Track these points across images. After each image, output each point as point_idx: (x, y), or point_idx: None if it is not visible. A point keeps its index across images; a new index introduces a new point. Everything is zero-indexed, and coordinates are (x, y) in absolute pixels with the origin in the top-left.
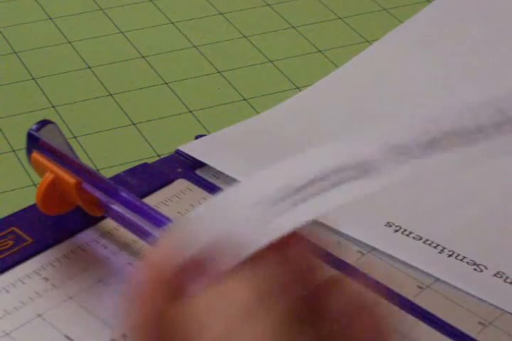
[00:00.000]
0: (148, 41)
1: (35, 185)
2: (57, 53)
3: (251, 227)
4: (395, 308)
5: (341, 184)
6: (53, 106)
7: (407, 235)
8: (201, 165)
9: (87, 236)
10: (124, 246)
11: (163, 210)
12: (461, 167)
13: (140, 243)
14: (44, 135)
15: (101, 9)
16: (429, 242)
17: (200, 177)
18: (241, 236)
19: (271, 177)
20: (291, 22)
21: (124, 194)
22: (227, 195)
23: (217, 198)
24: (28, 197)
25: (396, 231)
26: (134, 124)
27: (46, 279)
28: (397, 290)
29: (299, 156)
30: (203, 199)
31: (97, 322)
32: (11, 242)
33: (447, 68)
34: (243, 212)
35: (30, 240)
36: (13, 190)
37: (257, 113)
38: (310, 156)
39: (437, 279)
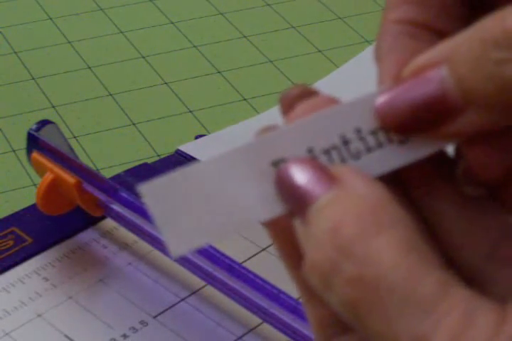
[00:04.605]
0: (148, 41)
1: (35, 185)
2: (57, 53)
3: None
4: None
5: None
6: (53, 106)
7: None
8: None
9: (87, 236)
10: (124, 246)
11: None
12: None
13: (140, 243)
14: (44, 135)
15: (101, 9)
16: None
17: None
18: None
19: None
20: (291, 22)
21: (124, 194)
22: None
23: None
24: (28, 197)
25: None
26: (134, 124)
27: (46, 279)
28: None
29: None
30: None
31: (97, 322)
32: (11, 242)
33: None
34: None
35: (30, 240)
36: (13, 190)
37: (257, 113)
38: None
39: None
